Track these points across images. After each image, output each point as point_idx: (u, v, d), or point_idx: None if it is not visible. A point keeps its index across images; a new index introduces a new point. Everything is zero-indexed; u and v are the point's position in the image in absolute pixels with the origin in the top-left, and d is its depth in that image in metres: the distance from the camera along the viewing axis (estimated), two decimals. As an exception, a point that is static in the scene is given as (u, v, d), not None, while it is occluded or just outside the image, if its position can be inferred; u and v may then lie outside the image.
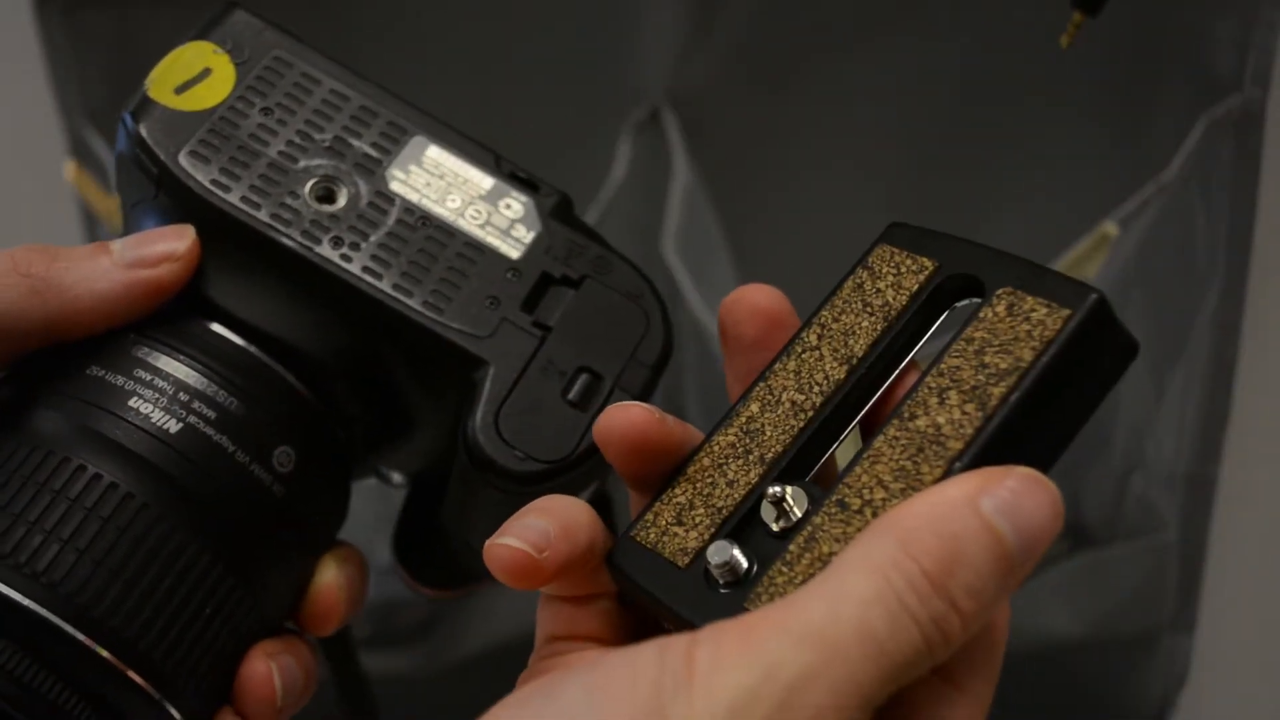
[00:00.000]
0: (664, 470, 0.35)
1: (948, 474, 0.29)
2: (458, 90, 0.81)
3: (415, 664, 0.78)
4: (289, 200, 0.39)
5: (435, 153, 0.43)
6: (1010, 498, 0.28)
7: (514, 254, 0.41)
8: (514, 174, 0.44)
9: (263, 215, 0.39)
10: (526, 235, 0.42)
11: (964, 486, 0.28)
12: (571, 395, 0.39)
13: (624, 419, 0.34)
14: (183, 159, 0.39)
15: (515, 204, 0.42)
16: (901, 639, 0.27)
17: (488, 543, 0.32)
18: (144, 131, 0.39)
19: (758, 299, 0.36)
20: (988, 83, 0.79)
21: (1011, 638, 0.90)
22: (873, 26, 0.78)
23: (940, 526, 0.28)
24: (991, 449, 0.30)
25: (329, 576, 0.40)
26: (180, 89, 0.40)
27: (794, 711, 0.26)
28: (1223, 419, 0.81)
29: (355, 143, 0.41)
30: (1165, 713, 0.91)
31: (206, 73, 0.40)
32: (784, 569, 0.30)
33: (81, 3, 0.74)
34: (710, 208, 0.79)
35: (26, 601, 0.33)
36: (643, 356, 0.40)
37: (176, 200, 0.39)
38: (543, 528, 0.32)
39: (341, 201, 0.40)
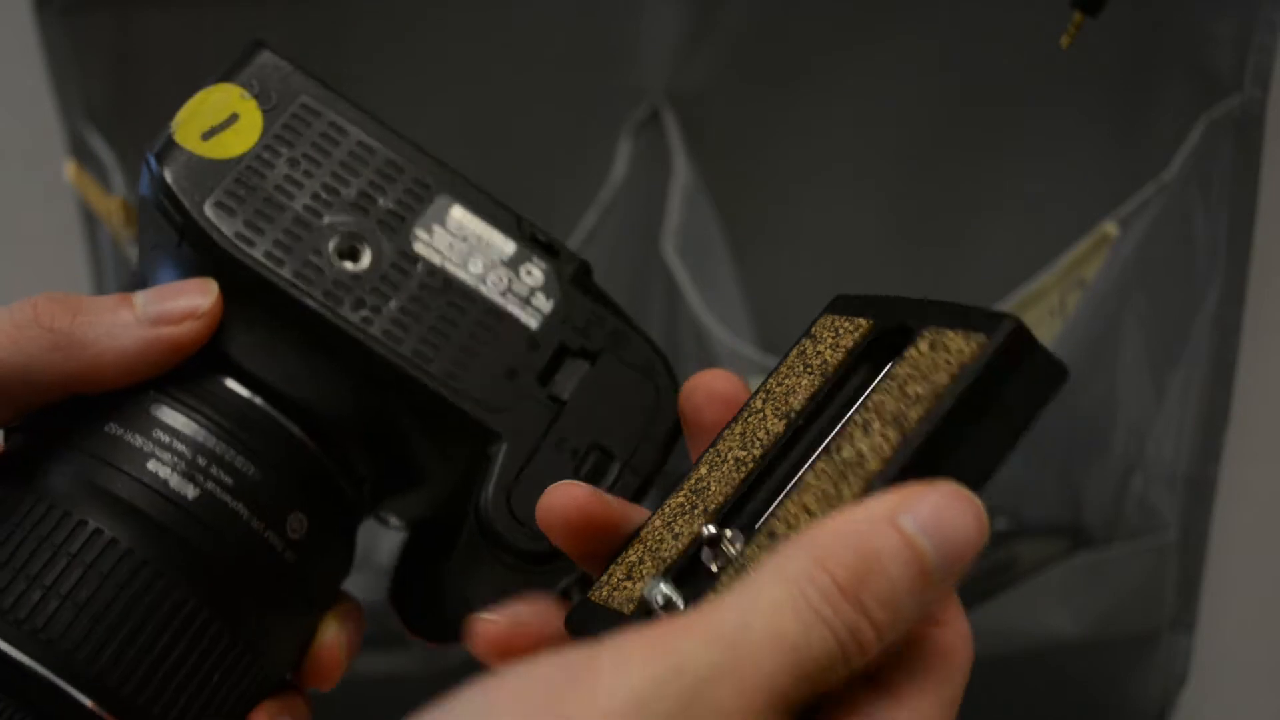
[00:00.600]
0: (610, 547, 0.35)
1: (867, 493, 0.30)
2: (458, 90, 0.81)
3: (415, 664, 0.78)
4: (313, 258, 0.39)
5: (459, 213, 0.43)
6: (930, 512, 0.28)
7: (533, 324, 0.41)
8: (535, 237, 0.43)
9: (286, 273, 0.38)
10: (545, 304, 0.41)
11: (883, 502, 0.28)
12: (583, 474, 0.39)
13: (564, 498, 0.34)
14: (208, 209, 0.38)
15: (536, 271, 0.42)
16: (815, 642, 0.27)
17: (474, 616, 0.33)
18: (169, 178, 0.38)
19: (715, 385, 0.36)
20: (988, 83, 0.79)
21: (1011, 638, 0.91)
22: (873, 26, 0.78)
23: (855, 541, 0.28)
24: (911, 468, 0.30)
25: (331, 635, 0.40)
26: (207, 135, 0.39)
27: (701, 707, 0.26)
28: (1223, 419, 0.81)
29: (380, 199, 0.40)
30: (1165, 713, 0.91)
31: (234, 118, 0.39)
32: (712, 596, 0.31)
33: (81, 3, 0.74)
34: (710, 208, 0.79)
35: (21, 656, 0.33)
36: (653, 434, 0.40)
37: (200, 252, 0.38)
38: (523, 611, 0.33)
39: (365, 261, 0.39)
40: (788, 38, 0.79)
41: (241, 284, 0.38)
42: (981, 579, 0.85)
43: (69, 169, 0.75)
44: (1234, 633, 0.91)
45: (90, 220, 0.80)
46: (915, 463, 0.30)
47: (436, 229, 0.41)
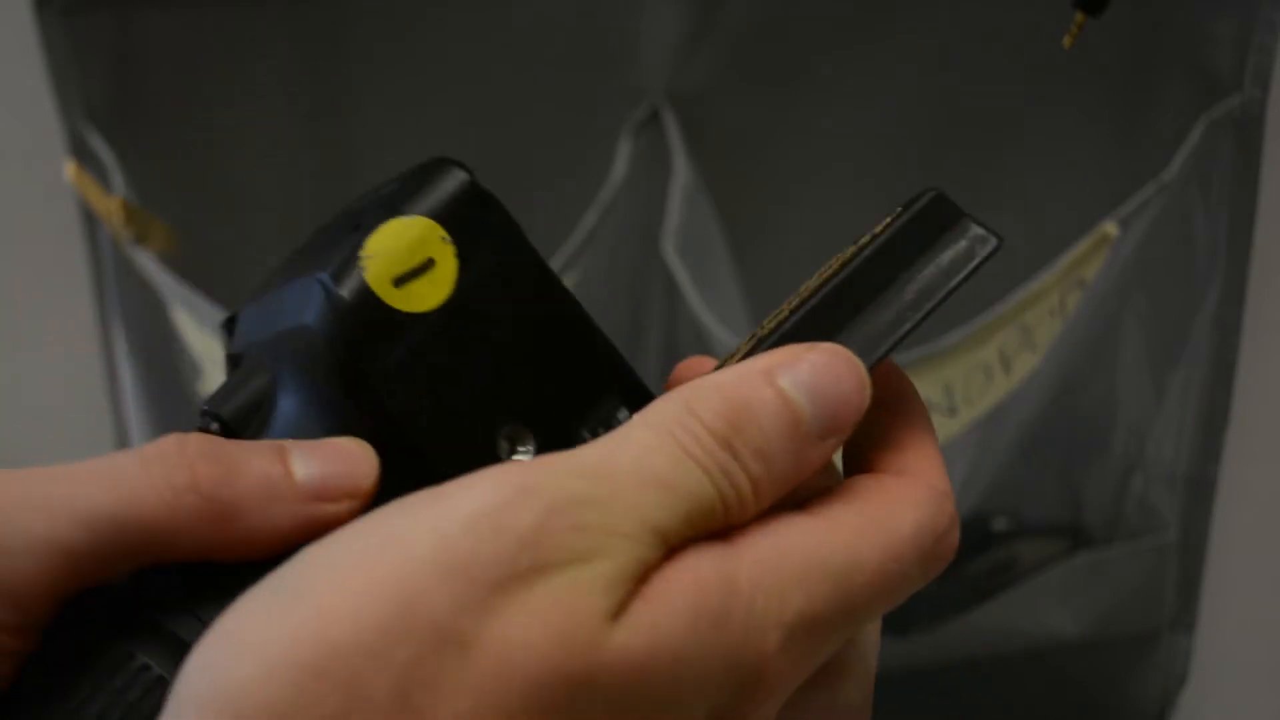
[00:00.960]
0: None
1: (752, 354, 0.30)
2: (458, 90, 0.81)
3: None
4: (481, 442, 0.34)
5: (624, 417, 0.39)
6: (807, 369, 0.28)
7: None
8: None
9: (448, 456, 0.34)
10: None
11: (762, 360, 0.28)
12: None
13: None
14: (387, 373, 0.33)
15: None
16: (689, 482, 0.26)
17: None
18: (354, 324, 0.33)
19: (703, 369, 0.35)
20: (988, 83, 0.79)
21: (1011, 638, 0.91)
22: (873, 26, 0.78)
23: (727, 390, 0.27)
24: (800, 330, 0.30)
25: None
26: (400, 281, 0.34)
27: (560, 524, 0.25)
28: (1223, 419, 0.81)
29: (560, 390, 0.35)
30: (1165, 713, 0.91)
31: (429, 265, 0.34)
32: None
33: (81, 3, 0.74)
34: (710, 208, 0.79)
35: None
36: None
37: (366, 416, 0.33)
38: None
39: (528, 452, 0.35)
40: (788, 38, 0.79)
41: (401, 463, 0.33)
42: (981, 579, 0.85)
43: (69, 169, 0.75)
44: (1234, 633, 0.91)
45: (90, 220, 0.80)
46: (801, 328, 0.30)
47: (601, 432, 0.37)
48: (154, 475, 0.31)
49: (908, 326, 0.32)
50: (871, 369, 0.30)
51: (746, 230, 0.82)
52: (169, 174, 0.80)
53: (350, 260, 0.34)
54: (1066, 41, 0.63)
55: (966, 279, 0.33)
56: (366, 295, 0.33)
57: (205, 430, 0.34)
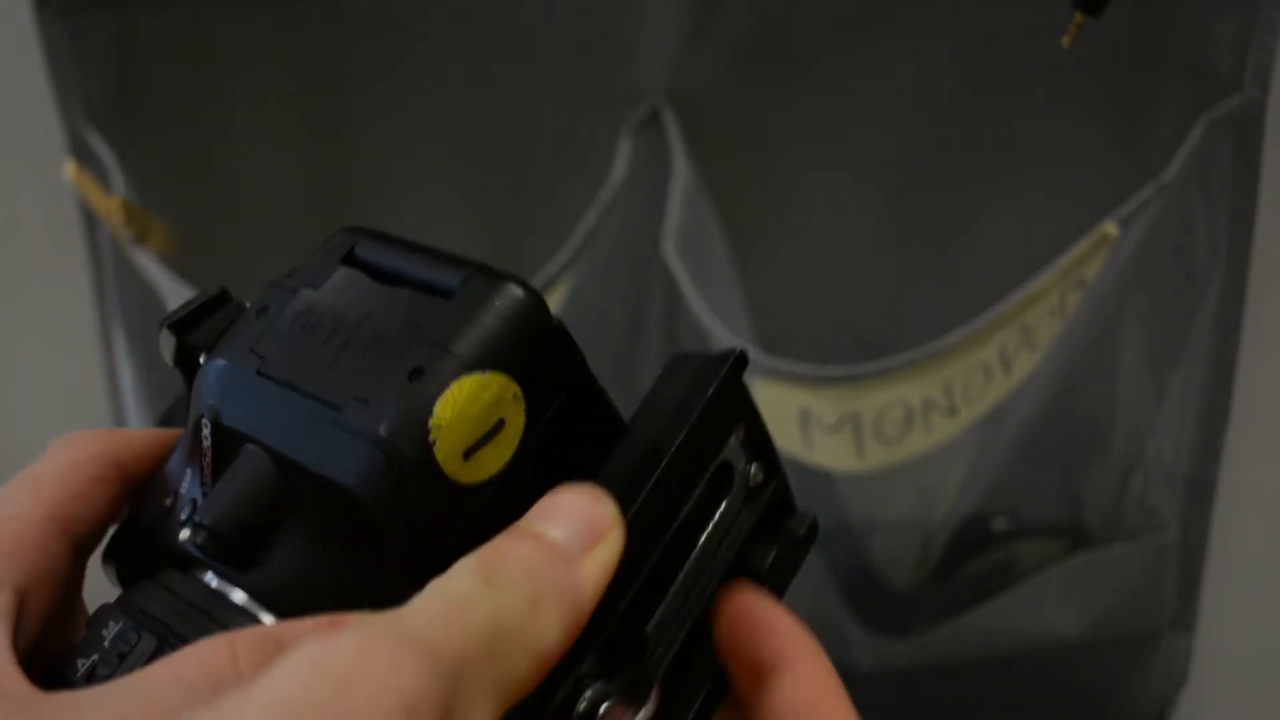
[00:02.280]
0: None
1: None
2: (459, 90, 0.81)
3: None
4: None
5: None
6: (541, 503, 0.29)
7: None
8: None
9: None
10: None
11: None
12: None
13: None
14: (438, 546, 0.29)
15: None
16: (450, 633, 0.25)
17: None
18: (413, 504, 0.29)
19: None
20: (988, 82, 0.79)
21: (1011, 638, 0.90)
22: (873, 27, 0.78)
23: (484, 550, 0.27)
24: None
25: None
26: (470, 452, 0.29)
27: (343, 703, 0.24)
28: (1223, 419, 0.81)
29: None
30: (1165, 713, 0.91)
31: (500, 426, 0.29)
32: None
33: (81, 3, 0.74)
34: (710, 208, 0.79)
35: None
36: None
37: (393, 575, 0.30)
38: None
39: None
40: (788, 38, 0.79)
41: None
42: (981, 579, 0.85)
43: (69, 169, 0.75)
44: (1234, 633, 0.91)
45: (90, 220, 0.80)
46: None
47: None
48: (206, 663, 0.29)
49: (661, 438, 0.31)
50: (632, 485, 0.30)
51: (746, 230, 0.82)
52: (169, 174, 0.80)
53: (417, 427, 0.28)
54: (1066, 41, 0.63)
55: (720, 390, 0.32)
56: (433, 472, 0.28)
57: (186, 532, 0.31)
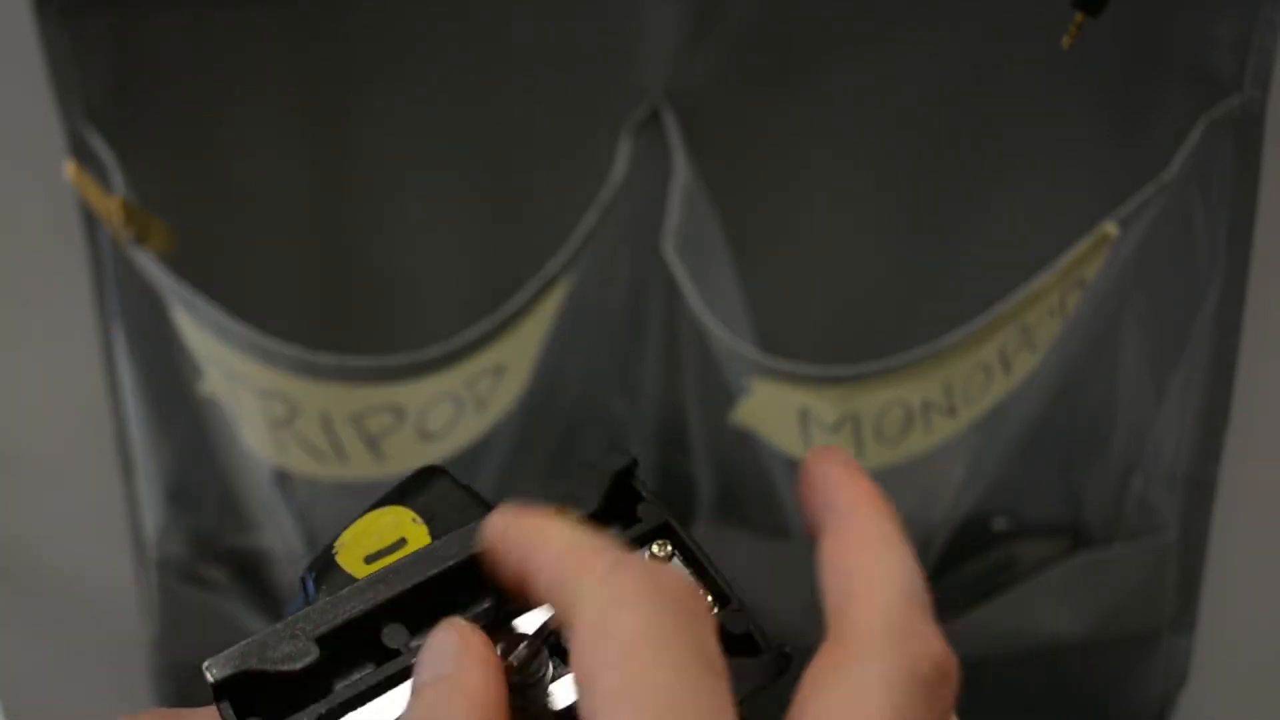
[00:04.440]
0: None
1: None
2: (458, 90, 0.81)
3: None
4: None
5: None
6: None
7: None
8: None
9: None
10: None
11: None
12: None
13: None
14: None
15: None
16: None
17: None
18: (323, 599, 0.35)
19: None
20: (988, 82, 0.79)
21: (1011, 638, 0.91)
22: (873, 26, 0.78)
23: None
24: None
25: None
26: (371, 558, 0.36)
27: None
28: (1223, 419, 0.81)
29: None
30: (1165, 713, 0.91)
31: (401, 543, 0.37)
32: None
33: (81, 3, 0.74)
34: (710, 208, 0.79)
35: None
36: None
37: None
38: None
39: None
40: (788, 38, 0.79)
41: None
42: (981, 579, 0.85)
43: (69, 169, 0.75)
44: (1234, 633, 0.91)
45: (90, 220, 0.80)
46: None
47: None
48: None
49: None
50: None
51: (746, 230, 0.82)
52: (169, 174, 0.80)
53: (326, 552, 0.37)
54: (1066, 41, 0.63)
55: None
56: (336, 573, 0.36)
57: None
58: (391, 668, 0.32)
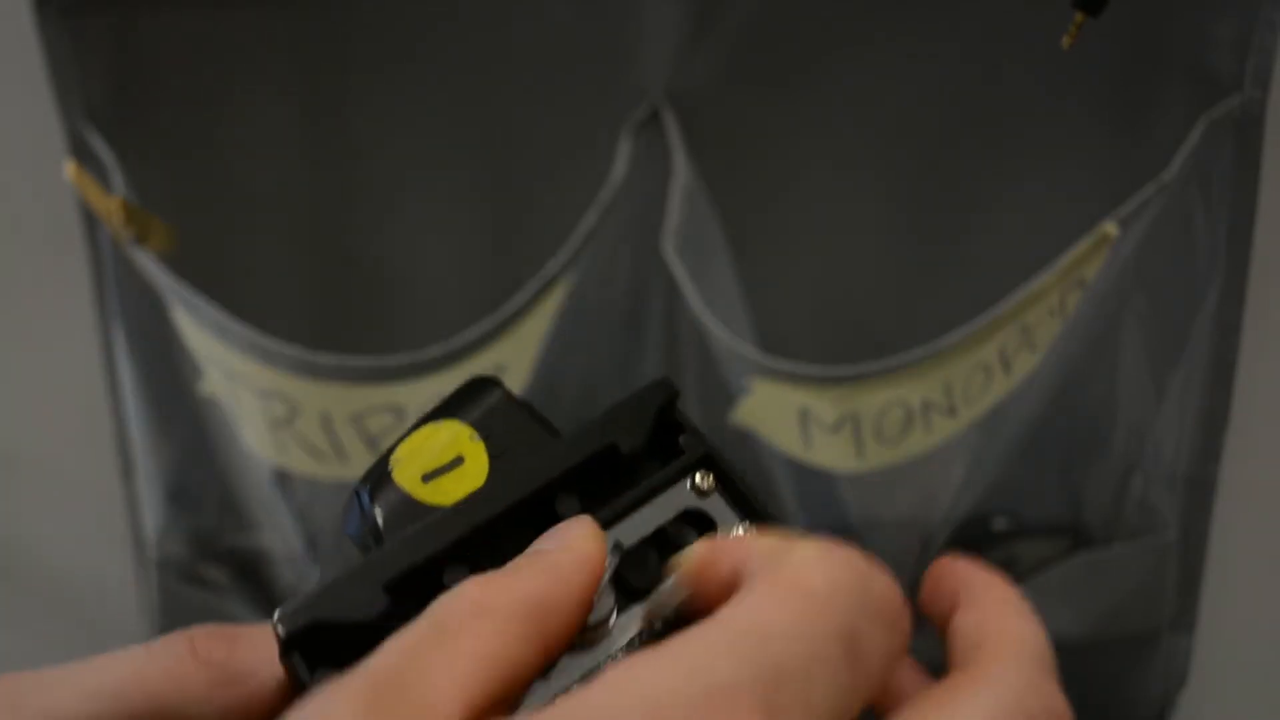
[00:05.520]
0: None
1: None
2: (458, 90, 0.81)
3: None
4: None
5: None
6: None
7: None
8: None
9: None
10: None
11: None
12: None
13: None
14: None
15: None
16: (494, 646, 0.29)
17: None
18: (380, 519, 0.35)
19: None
20: (988, 82, 0.79)
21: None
22: (873, 26, 0.78)
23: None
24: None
25: None
26: (429, 477, 0.36)
27: None
28: (1223, 419, 0.81)
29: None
30: (1165, 713, 0.91)
31: (458, 461, 0.36)
32: None
33: (81, 3, 0.74)
34: (710, 208, 0.79)
35: None
36: None
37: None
38: None
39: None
40: (788, 38, 0.79)
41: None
42: (981, 579, 0.85)
43: (69, 169, 0.75)
44: (1234, 633, 0.91)
45: (90, 220, 0.80)
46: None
47: None
48: (155, 652, 0.33)
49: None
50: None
51: (746, 230, 0.82)
52: (169, 174, 0.80)
53: (381, 466, 0.36)
54: (1066, 41, 0.63)
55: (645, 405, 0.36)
56: (391, 489, 0.35)
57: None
58: None
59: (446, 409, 0.37)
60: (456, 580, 0.32)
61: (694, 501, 0.34)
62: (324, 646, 0.31)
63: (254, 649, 0.34)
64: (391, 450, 0.36)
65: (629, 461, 0.35)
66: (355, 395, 0.73)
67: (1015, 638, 0.30)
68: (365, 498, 0.35)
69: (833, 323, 0.87)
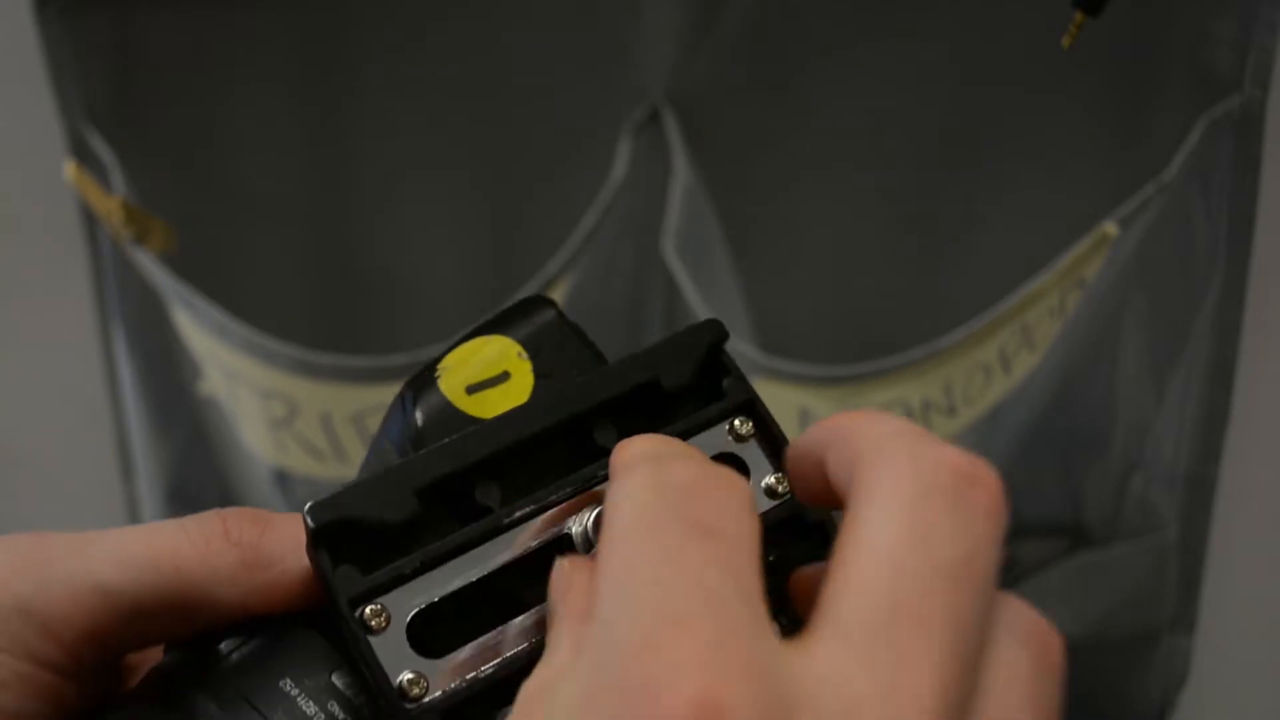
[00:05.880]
0: None
1: None
2: (459, 91, 0.81)
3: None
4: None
5: None
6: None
7: None
8: None
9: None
10: None
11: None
12: None
13: None
14: None
15: None
16: None
17: None
18: (420, 423, 0.35)
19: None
20: (988, 83, 0.79)
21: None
22: (872, 27, 0.78)
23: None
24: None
25: None
26: (473, 389, 0.35)
27: None
28: (1223, 419, 0.81)
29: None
30: (1165, 713, 0.90)
31: (504, 377, 0.36)
32: None
33: (81, 3, 0.74)
34: (710, 208, 0.80)
35: None
36: None
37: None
38: None
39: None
40: (788, 38, 0.79)
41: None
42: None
43: (69, 169, 0.75)
44: (1234, 633, 0.91)
45: (90, 220, 0.80)
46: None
47: None
48: (189, 527, 0.33)
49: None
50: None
51: (746, 230, 0.82)
52: (169, 174, 0.80)
53: (428, 372, 0.36)
54: (1066, 41, 0.63)
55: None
56: (436, 396, 0.35)
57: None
58: (483, 526, 0.31)
59: (498, 323, 0.36)
60: (487, 496, 0.32)
61: (730, 446, 0.34)
62: (349, 543, 0.31)
63: (283, 537, 0.34)
64: (440, 358, 0.36)
65: (670, 398, 0.34)
66: (355, 395, 0.73)
67: (891, 470, 0.26)
68: (409, 402, 0.35)
69: (833, 323, 0.87)
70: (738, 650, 0.22)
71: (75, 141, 0.76)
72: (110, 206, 0.74)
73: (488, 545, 0.31)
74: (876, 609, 0.24)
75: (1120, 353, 0.82)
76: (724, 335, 0.35)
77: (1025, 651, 0.27)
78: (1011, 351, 0.74)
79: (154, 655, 0.35)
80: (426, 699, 0.30)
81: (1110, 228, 0.70)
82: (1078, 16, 0.63)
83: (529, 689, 0.26)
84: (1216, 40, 0.73)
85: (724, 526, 0.25)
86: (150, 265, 0.74)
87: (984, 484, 0.26)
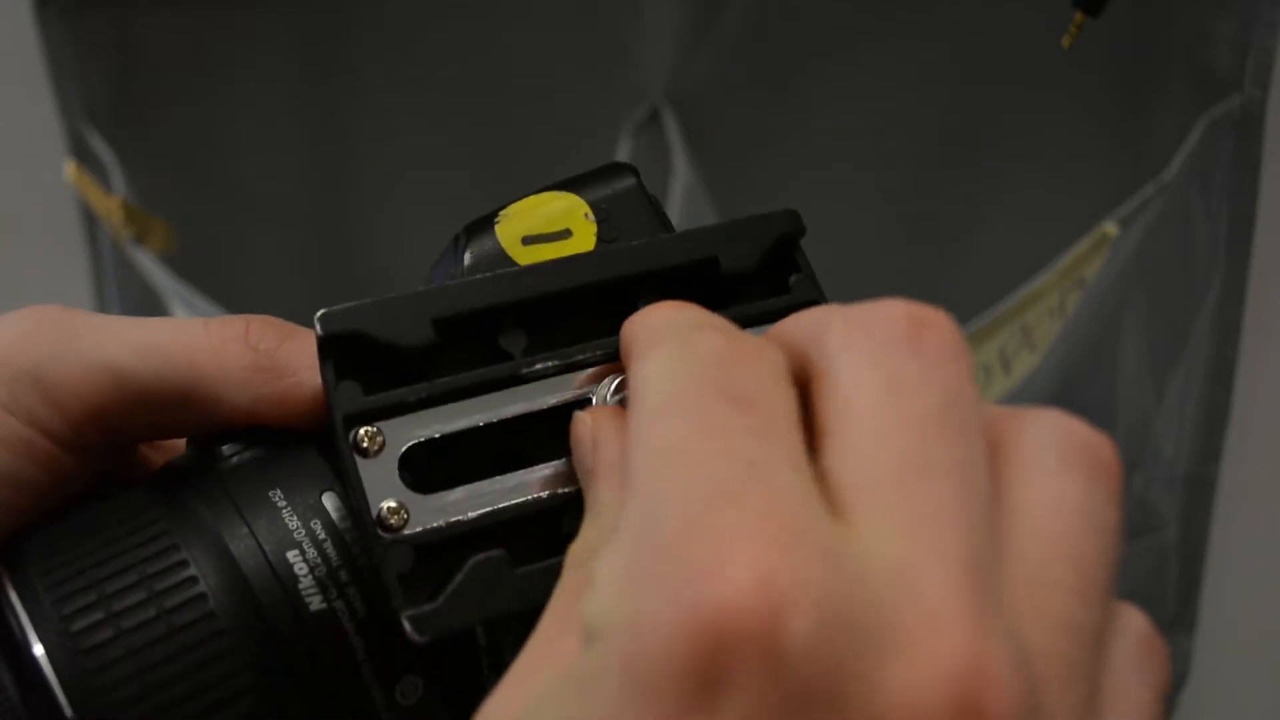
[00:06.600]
0: None
1: None
2: (459, 91, 0.81)
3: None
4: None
5: None
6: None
7: None
8: None
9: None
10: None
11: None
12: None
13: None
14: None
15: None
16: None
17: None
18: (467, 261, 0.33)
19: None
20: (988, 83, 0.79)
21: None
22: (872, 27, 0.78)
23: None
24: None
25: None
26: (530, 240, 0.34)
27: None
28: (1223, 419, 0.81)
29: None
30: (1165, 713, 0.90)
31: (565, 234, 0.34)
32: None
33: (81, 3, 0.74)
34: (710, 208, 0.80)
35: (48, 670, 0.30)
36: None
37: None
38: None
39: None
40: (788, 38, 0.79)
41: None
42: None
43: (69, 169, 0.75)
44: (1234, 633, 0.91)
45: (90, 220, 0.80)
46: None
47: None
48: (211, 326, 0.33)
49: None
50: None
51: (746, 230, 0.82)
52: (169, 174, 0.80)
53: (489, 217, 0.34)
54: (1065, 41, 0.63)
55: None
56: (489, 240, 0.33)
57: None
58: (499, 371, 0.30)
59: (574, 182, 0.35)
60: (512, 343, 0.31)
61: None
62: (360, 361, 0.30)
63: (303, 350, 0.33)
64: (505, 206, 0.34)
65: (729, 282, 0.33)
66: (355, 395, 0.73)
67: (845, 331, 0.25)
68: (461, 241, 0.34)
69: (833, 323, 0.87)
70: (794, 522, 0.22)
71: (75, 141, 0.76)
72: (110, 206, 0.74)
73: (501, 393, 0.30)
74: (882, 470, 0.23)
75: (1120, 353, 0.82)
76: (800, 228, 0.33)
77: (1076, 472, 0.27)
78: (1011, 351, 0.74)
79: (177, 450, 0.35)
80: (405, 531, 0.29)
81: (1110, 228, 0.70)
82: (1078, 16, 0.63)
83: (577, 552, 0.26)
84: (1216, 40, 0.73)
85: (762, 397, 0.24)
86: (150, 265, 0.74)
87: (936, 325, 0.25)
